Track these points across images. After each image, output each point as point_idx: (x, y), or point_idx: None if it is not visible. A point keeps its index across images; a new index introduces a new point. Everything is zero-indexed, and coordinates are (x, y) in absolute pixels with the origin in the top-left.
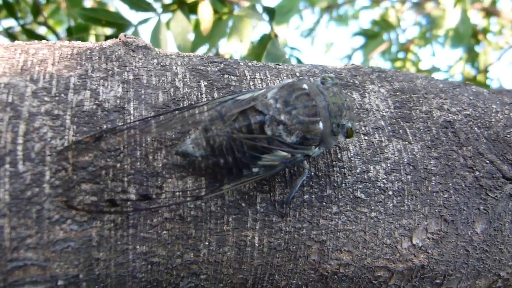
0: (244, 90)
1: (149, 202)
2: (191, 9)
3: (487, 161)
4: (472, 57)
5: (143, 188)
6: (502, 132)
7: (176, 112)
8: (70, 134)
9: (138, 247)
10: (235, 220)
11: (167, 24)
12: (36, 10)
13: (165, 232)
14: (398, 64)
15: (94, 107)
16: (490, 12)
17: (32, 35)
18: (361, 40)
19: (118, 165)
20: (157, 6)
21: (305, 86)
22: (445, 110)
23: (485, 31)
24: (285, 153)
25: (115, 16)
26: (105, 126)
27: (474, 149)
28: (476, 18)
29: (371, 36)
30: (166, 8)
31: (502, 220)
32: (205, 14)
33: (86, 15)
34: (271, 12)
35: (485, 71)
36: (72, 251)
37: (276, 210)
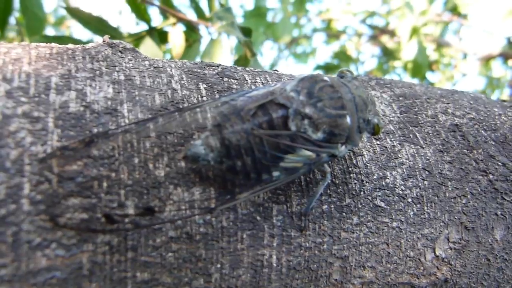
0: (253, 87)
1: (151, 218)
2: (161, 38)
3: (499, 164)
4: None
5: (144, 201)
6: (509, 134)
7: (176, 113)
8: (54, 139)
9: (138, 274)
10: (250, 236)
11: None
12: None
13: (170, 254)
14: None
15: (82, 109)
16: (441, 44)
17: None
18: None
19: (113, 174)
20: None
21: (326, 78)
22: (450, 114)
23: (437, 62)
24: (310, 153)
25: (81, 43)
26: (95, 130)
27: (484, 152)
28: (429, 50)
29: (330, 69)
30: (134, 36)
31: None
32: (177, 39)
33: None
34: (247, 32)
35: None
36: (58, 283)
37: (294, 223)
